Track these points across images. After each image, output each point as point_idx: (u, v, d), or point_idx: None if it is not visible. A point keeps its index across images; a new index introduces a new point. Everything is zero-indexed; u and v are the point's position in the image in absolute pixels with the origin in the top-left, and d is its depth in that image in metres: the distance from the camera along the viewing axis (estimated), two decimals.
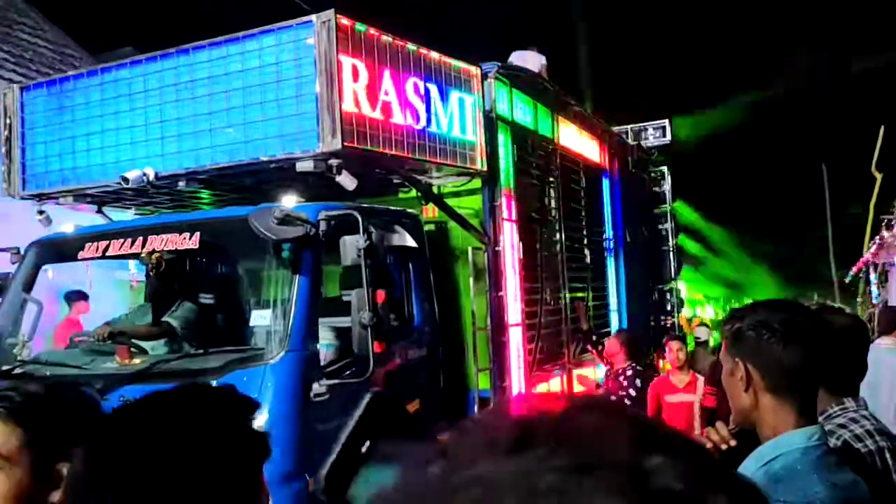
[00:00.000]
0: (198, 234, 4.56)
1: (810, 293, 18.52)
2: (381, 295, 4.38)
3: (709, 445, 1.80)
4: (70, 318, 7.08)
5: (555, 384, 6.70)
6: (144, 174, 4.85)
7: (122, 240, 4.79)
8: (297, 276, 4.32)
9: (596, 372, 7.30)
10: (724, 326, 1.80)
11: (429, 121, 5.19)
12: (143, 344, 4.90)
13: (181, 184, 5.06)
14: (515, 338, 5.98)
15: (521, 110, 6.57)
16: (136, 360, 4.55)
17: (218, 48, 4.81)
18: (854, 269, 17.18)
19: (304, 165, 4.60)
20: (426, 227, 5.70)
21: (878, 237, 16.00)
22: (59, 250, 5.22)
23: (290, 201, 4.81)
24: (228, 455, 1.01)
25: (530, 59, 8.82)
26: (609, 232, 8.62)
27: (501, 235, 5.88)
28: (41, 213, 5.58)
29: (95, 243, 4.88)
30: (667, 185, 10.84)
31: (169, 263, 4.87)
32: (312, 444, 4.15)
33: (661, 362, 9.17)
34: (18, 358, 4.85)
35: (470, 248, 5.66)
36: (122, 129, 5.20)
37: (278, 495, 3.65)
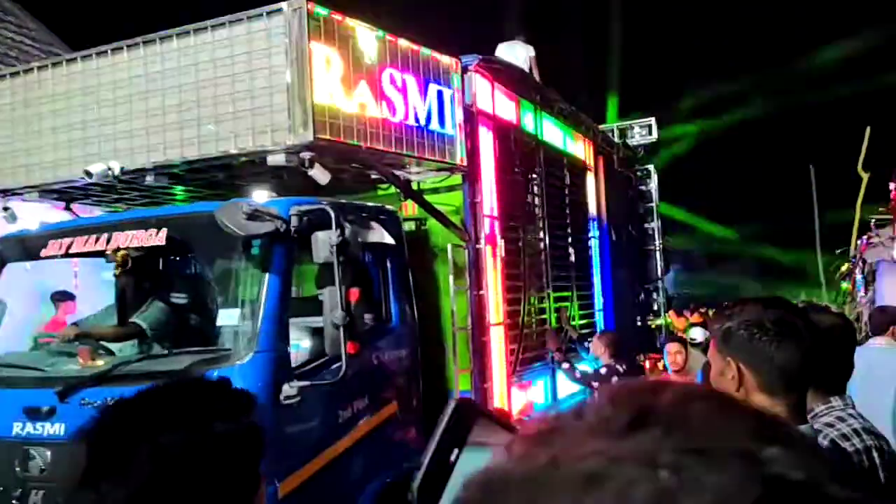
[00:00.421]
0: (164, 230, 4.39)
1: (797, 292, 18.49)
2: (354, 293, 4.22)
3: None
4: (57, 318, 6.92)
5: (539, 385, 6.56)
6: (109, 168, 4.68)
7: (86, 237, 4.61)
8: (267, 273, 4.15)
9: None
10: (714, 326, 1.79)
11: (406, 114, 5.03)
12: (113, 345, 4.76)
13: (149, 178, 4.88)
14: (497, 338, 5.83)
15: (504, 105, 6.43)
16: (99, 362, 4.39)
17: (186, 38, 4.64)
18: (843, 268, 17.24)
19: (276, 159, 4.44)
20: (405, 225, 5.55)
21: (865, 236, 16.01)
22: (22, 248, 5.03)
23: (261, 196, 4.66)
24: (227, 452, 1.02)
25: (518, 51, 8.69)
26: (594, 230, 8.50)
27: (482, 232, 5.74)
28: (6, 209, 5.41)
29: (59, 241, 4.69)
30: (653, 184, 10.73)
31: (136, 261, 4.71)
32: (283, 448, 3.99)
33: (647, 363, 9.06)
34: None
35: (450, 246, 5.51)
36: (88, 122, 5.02)
37: None
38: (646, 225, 10.63)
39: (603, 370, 6.00)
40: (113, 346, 4.75)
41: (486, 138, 5.95)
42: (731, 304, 1.87)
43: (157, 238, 4.37)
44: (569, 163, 7.88)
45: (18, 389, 4.26)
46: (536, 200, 6.96)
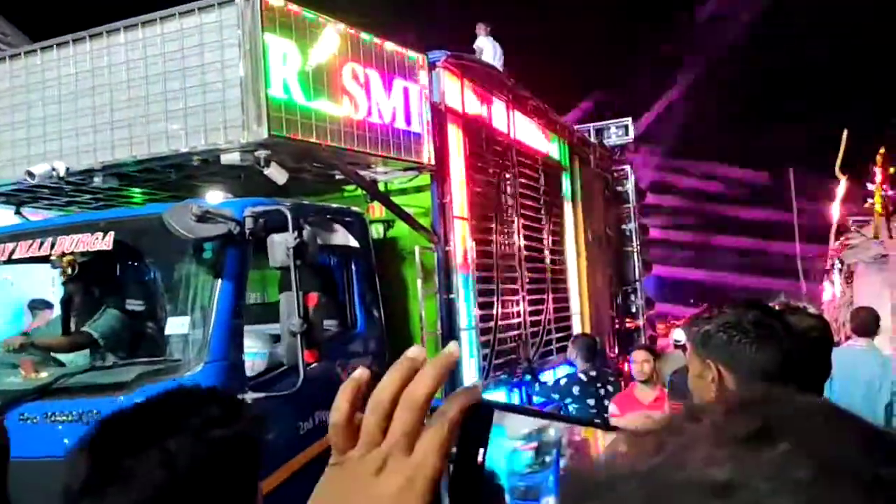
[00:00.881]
0: (112, 233, 4.14)
1: (776, 293, 18.52)
2: (312, 298, 4.00)
3: None
4: (35, 327, 6.64)
5: (513, 391, 6.37)
6: (54, 169, 4.42)
7: (29, 241, 4.35)
8: (219, 278, 3.91)
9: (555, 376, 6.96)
10: (692, 329, 1.78)
11: (369, 110, 4.82)
12: (65, 356, 4.51)
13: (97, 180, 4.63)
14: (468, 343, 5.63)
15: (474, 103, 6.23)
16: (43, 374, 4.12)
17: (134, 30, 4.40)
18: (825, 266, 17.36)
19: (230, 158, 4.22)
20: (373, 227, 5.33)
21: (843, 237, 16.06)
22: None
23: (215, 197, 4.41)
24: (230, 458, 1.01)
25: (486, 49, 8.54)
26: (570, 231, 8.32)
27: (452, 234, 5.53)
28: None
29: (1, 246, 4.43)
30: (630, 185, 10.59)
31: (84, 266, 4.45)
32: None
33: (626, 366, 8.90)
34: None
35: (417, 248, 5.29)
36: (33, 121, 4.76)
37: None
38: (623, 226, 10.48)
39: (563, 381, 5.84)
40: (65, 357, 4.52)
41: (455, 137, 5.75)
42: (708, 307, 1.87)
43: (104, 242, 4.12)
44: (543, 163, 7.70)
45: None
46: (509, 201, 6.77)
